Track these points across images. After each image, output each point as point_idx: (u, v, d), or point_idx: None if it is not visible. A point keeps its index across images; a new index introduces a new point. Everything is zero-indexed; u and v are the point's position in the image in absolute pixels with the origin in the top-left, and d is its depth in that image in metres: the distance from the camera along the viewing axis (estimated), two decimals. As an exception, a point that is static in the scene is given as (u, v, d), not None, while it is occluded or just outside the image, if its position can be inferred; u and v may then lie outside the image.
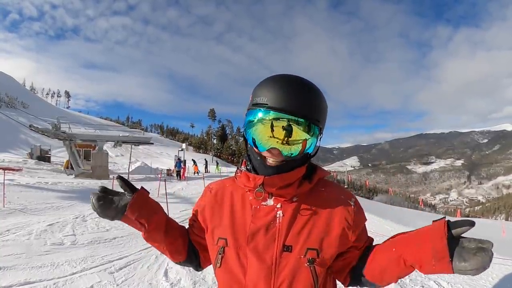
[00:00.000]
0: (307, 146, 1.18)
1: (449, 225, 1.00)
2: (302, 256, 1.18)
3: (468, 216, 41.25)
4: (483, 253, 0.92)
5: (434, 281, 5.39)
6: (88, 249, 6.36)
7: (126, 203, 1.29)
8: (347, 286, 1.35)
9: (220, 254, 1.26)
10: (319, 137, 1.22)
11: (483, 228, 17.21)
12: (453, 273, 0.97)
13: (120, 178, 1.35)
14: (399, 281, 5.18)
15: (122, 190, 1.36)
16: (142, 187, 1.38)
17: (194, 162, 38.39)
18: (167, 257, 1.48)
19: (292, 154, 1.17)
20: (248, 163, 1.31)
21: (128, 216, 1.29)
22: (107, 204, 1.27)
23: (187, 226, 1.54)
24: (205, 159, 41.01)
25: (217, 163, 44.84)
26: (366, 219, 1.34)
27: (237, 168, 1.38)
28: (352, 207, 1.28)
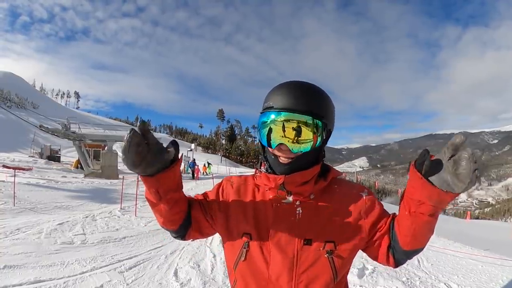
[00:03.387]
0: (315, 142, 1.25)
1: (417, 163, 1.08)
2: (321, 249, 1.26)
3: (477, 218, 40.93)
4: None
5: (445, 283, 5.34)
6: (98, 248, 6.40)
7: (159, 167, 1.13)
8: (396, 266, 1.36)
9: (244, 248, 1.32)
10: (324, 133, 1.28)
11: (492, 230, 17.07)
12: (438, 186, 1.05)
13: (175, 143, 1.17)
14: (409, 282, 5.17)
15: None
16: (181, 156, 1.22)
17: (209, 163, 38.46)
18: (157, 219, 1.39)
19: (301, 150, 1.24)
20: (266, 164, 1.36)
21: (153, 181, 1.16)
22: (141, 153, 1.06)
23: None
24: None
25: (208, 164, 41.47)
26: (381, 205, 1.39)
27: (256, 169, 1.45)
28: (364, 198, 1.36)
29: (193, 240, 1.51)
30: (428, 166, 1.05)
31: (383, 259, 1.36)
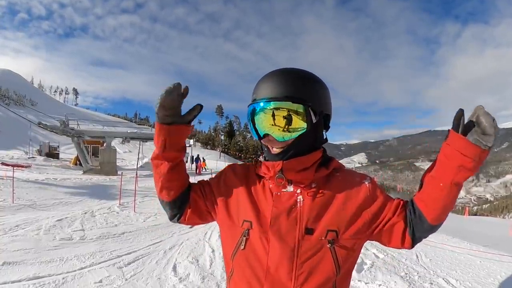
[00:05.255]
0: (298, 127, 1.23)
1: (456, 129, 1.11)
2: (323, 238, 1.23)
3: (476, 215, 41.04)
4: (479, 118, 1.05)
5: (443, 278, 5.36)
6: (97, 244, 6.41)
7: (176, 121, 1.27)
8: (412, 247, 1.32)
9: (244, 236, 1.29)
10: (314, 117, 1.25)
11: (490, 226, 17.10)
12: (487, 148, 1.06)
13: (200, 106, 1.33)
14: (407, 277, 5.19)
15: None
16: (193, 126, 1.37)
17: (203, 159, 38.37)
18: (156, 186, 1.44)
19: (284, 138, 1.24)
20: (265, 153, 1.35)
21: (166, 130, 1.26)
22: (175, 102, 1.23)
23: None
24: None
25: (203, 159, 38.70)
26: (384, 192, 1.35)
27: (257, 159, 1.45)
28: (367, 186, 1.32)
29: (191, 227, 1.51)
30: (464, 126, 1.09)
31: (397, 243, 1.31)
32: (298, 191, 1.29)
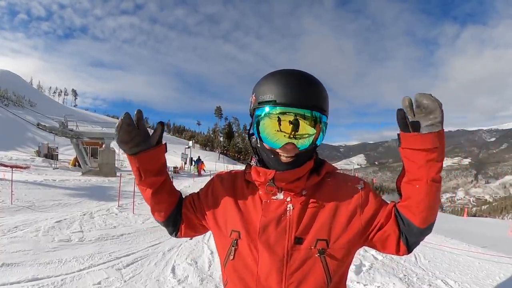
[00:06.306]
0: (317, 137, 1.21)
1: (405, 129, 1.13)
2: (313, 247, 1.20)
3: (475, 216, 41.03)
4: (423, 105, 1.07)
5: (442, 280, 5.36)
6: (96, 245, 6.39)
7: (142, 148, 1.29)
8: (409, 252, 1.26)
9: (233, 246, 1.27)
10: (326, 127, 1.23)
11: (489, 227, 17.09)
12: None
13: (161, 124, 1.33)
14: (406, 279, 5.19)
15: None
16: (165, 144, 1.36)
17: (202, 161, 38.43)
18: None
19: (305, 147, 1.19)
20: (256, 157, 1.33)
21: (136, 159, 1.29)
22: (131, 133, 1.24)
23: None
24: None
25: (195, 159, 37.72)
26: (379, 196, 1.32)
27: (247, 164, 1.40)
28: (360, 191, 1.29)
29: (191, 238, 1.53)
30: (412, 122, 1.11)
31: (392, 250, 1.26)
32: (288, 199, 1.26)
